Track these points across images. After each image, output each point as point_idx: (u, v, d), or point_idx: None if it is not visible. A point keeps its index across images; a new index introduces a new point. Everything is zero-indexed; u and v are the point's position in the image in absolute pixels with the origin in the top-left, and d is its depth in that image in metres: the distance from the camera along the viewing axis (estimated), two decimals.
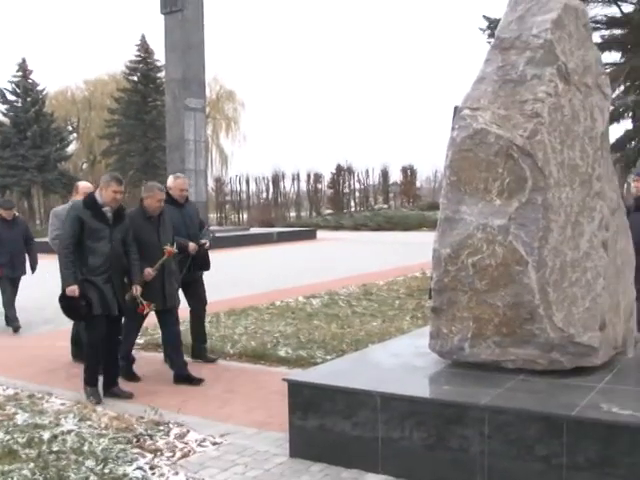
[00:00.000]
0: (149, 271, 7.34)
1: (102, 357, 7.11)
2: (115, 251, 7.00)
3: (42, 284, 11.60)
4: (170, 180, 8.45)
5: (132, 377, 7.73)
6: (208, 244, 8.40)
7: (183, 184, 8.41)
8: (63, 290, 6.89)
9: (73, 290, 6.81)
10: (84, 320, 7.23)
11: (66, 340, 9.97)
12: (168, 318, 7.68)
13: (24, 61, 46.94)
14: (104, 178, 7.11)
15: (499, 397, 4.77)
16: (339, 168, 50.90)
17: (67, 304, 6.96)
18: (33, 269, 11.35)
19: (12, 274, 11.13)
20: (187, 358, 8.00)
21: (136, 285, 7.17)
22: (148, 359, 8.62)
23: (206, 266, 8.46)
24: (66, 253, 6.88)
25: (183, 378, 7.54)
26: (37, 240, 12.42)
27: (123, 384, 7.32)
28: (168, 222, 7.70)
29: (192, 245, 8.07)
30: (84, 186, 8.69)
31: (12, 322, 11.11)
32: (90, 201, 7.03)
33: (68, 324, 10.97)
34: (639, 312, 6.37)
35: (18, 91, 46.44)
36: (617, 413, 4.38)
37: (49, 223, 8.91)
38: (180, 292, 7.99)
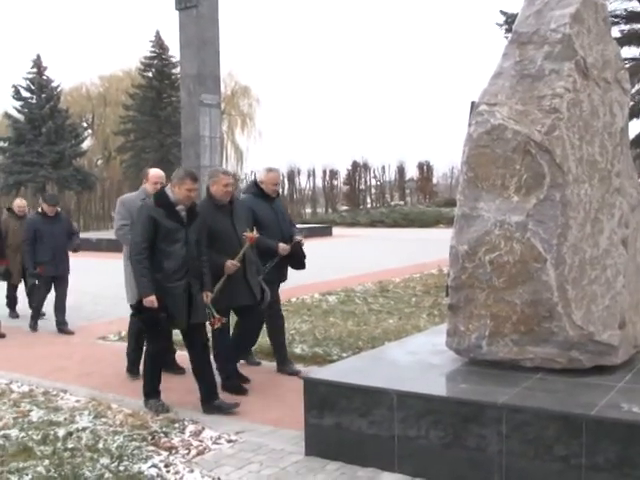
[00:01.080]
0: (233, 263, 6.77)
1: (197, 369, 6.53)
2: (191, 254, 6.35)
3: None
4: (262, 173, 7.81)
5: (242, 379, 7.20)
6: (303, 241, 7.87)
7: (276, 178, 7.87)
8: (139, 301, 6.33)
9: (152, 301, 6.16)
10: (161, 332, 6.52)
11: (81, 337, 10.02)
12: (253, 314, 7.14)
13: (39, 57, 47.06)
14: (177, 174, 6.45)
15: (517, 396, 4.72)
16: (355, 164, 50.91)
17: (146, 316, 6.31)
18: (74, 250, 11.18)
19: (54, 272, 10.72)
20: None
21: (207, 292, 6.52)
22: None
23: (302, 265, 7.91)
24: (140, 259, 6.22)
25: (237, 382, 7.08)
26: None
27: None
28: (240, 209, 7.18)
29: (282, 246, 7.47)
30: (155, 174, 7.78)
31: (33, 325, 10.90)
32: (162, 199, 6.38)
33: (80, 321, 11.04)
34: None
35: (33, 87, 46.58)
36: (637, 413, 4.32)
37: (115, 212, 8.05)
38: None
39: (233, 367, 7.19)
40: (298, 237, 7.76)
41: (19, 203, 12.40)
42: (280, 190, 8.16)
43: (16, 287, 12.12)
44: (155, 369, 6.59)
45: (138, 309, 6.47)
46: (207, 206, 6.98)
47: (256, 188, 7.69)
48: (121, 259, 7.74)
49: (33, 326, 10.92)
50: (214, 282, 6.69)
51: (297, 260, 7.78)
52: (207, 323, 6.59)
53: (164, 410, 6.35)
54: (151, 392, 6.54)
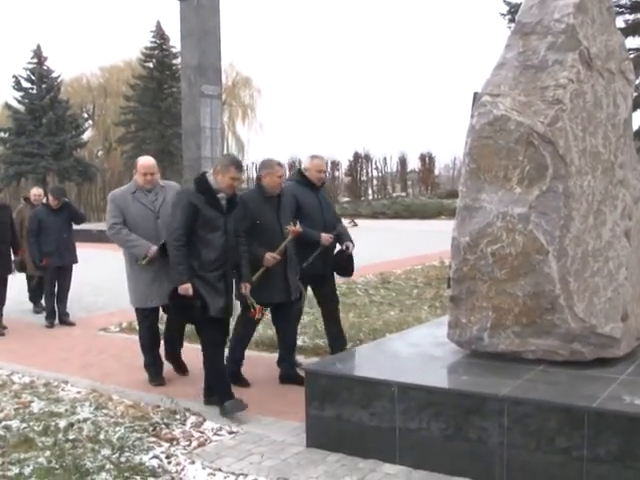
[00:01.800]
0: (273, 255, 6.56)
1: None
2: (230, 244, 6.14)
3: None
4: (307, 161, 7.59)
5: (242, 382, 6.87)
6: (352, 248, 7.57)
7: (321, 165, 7.55)
8: (175, 288, 6.06)
9: (187, 289, 5.94)
10: (196, 323, 6.44)
11: (82, 328, 10.03)
12: (289, 312, 6.99)
13: (39, 48, 46.94)
14: (222, 161, 6.26)
15: (518, 388, 4.71)
16: (356, 155, 50.83)
17: (179, 303, 6.10)
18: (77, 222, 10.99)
19: (59, 262, 10.60)
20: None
21: (245, 283, 6.34)
22: (161, 348, 8.59)
23: (348, 272, 7.73)
24: (178, 246, 5.97)
25: (292, 378, 6.85)
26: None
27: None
28: (286, 203, 6.95)
29: (325, 236, 7.17)
30: (143, 165, 7.21)
31: (48, 317, 10.69)
32: (204, 185, 6.13)
33: (80, 312, 11.03)
34: None
35: (33, 78, 46.46)
36: (639, 405, 4.31)
37: (107, 210, 7.39)
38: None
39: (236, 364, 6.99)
40: (349, 248, 7.53)
41: (35, 192, 12.14)
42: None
43: (34, 279, 11.80)
44: (221, 368, 6.22)
45: (171, 297, 6.18)
46: (255, 197, 6.81)
47: (300, 176, 7.47)
48: (121, 251, 7.43)
49: (51, 324, 10.62)
50: (252, 274, 6.50)
51: (344, 267, 7.62)
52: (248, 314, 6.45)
53: (243, 408, 6.00)
54: (225, 394, 6.10)
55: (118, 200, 7.17)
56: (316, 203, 7.35)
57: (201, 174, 6.40)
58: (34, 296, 11.92)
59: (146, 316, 7.24)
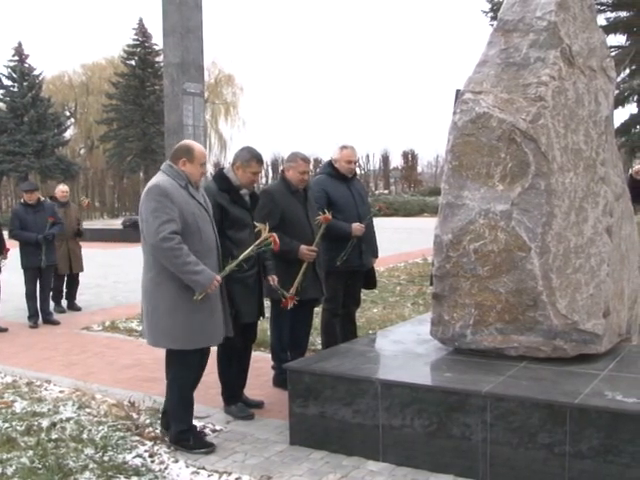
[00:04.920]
0: (310, 249, 6.27)
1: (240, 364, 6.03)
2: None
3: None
4: (336, 152, 7.20)
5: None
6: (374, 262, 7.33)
7: (351, 155, 7.17)
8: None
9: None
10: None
11: (65, 327, 9.97)
12: (309, 311, 6.78)
13: (20, 45, 46.77)
14: (242, 155, 5.82)
15: (501, 384, 4.73)
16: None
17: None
18: (44, 237, 10.38)
19: (40, 263, 10.40)
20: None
21: (272, 275, 5.97)
22: (148, 346, 8.57)
23: (373, 284, 7.53)
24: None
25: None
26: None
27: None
28: (312, 198, 6.67)
29: (356, 226, 6.79)
30: (201, 151, 5.40)
31: (32, 317, 10.51)
32: (226, 183, 5.79)
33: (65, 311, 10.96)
34: None
35: (14, 75, 46.28)
36: (621, 401, 4.33)
37: (149, 207, 5.25)
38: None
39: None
40: (372, 263, 7.31)
41: (62, 189, 11.97)
42: (356, 169, 7.44)
43: (63, 278, 11.67)
44: (230, 370, 6.01)
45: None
46: (280, 190, 6.52)
47: (330, 168, 7.13)
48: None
49: (34, 323, 10.43)
50: (281, 269, 6.15)
51: (369, 280, 7.41)
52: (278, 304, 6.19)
53: (248, 416, 5.90)
54: (232, 397, 6.04)
55: (174, 195, 5.15)
56: (348, 195, 7.05)
57: (219, 171, 6.03)
58: (56, 296, 11.67)
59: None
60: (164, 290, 5.11)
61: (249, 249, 5.44)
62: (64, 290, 11.75)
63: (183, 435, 5.25)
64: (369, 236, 7.10)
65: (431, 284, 5.72)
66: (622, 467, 4.17)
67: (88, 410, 6.07)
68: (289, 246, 6.22)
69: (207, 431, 5.60)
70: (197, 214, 5.20)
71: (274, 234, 5.53)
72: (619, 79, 21.27)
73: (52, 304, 11.35)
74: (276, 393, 6.28)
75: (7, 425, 5.70)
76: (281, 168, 6.43)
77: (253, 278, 5.76)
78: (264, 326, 8.89)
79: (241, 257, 5.39)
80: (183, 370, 5.27)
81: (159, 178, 5.22)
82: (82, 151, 60.06)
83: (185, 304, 5.08)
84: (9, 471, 4.83)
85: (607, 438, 4.21)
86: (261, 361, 7.26)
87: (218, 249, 5.38)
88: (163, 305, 5.12)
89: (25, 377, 7.29)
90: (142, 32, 50.56)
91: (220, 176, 5.88)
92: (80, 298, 12.00)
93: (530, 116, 5.09)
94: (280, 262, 6.13)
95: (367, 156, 52.26)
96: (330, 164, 7.18)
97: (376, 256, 7.42)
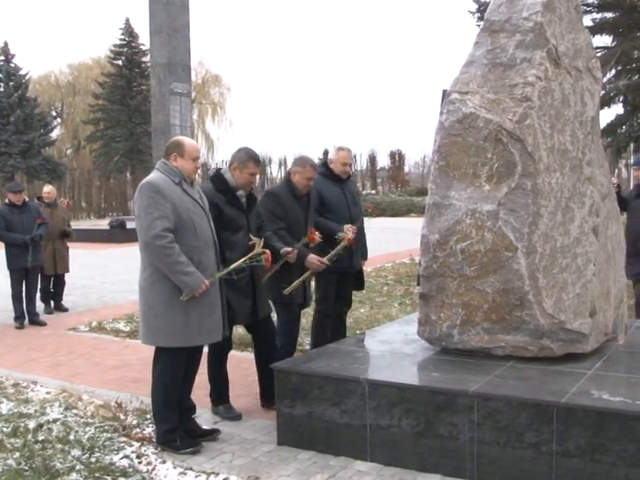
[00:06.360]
0: (322, 260, 6.19)
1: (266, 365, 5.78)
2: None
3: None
4: (332, 152, 7.24)
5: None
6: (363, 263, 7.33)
7: (346, 157, 7.16)
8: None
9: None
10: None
11: (52, 328, 9.92)
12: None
13: (6, 45, 46.56)
14: (239, 156, 5.76)
15: (488, 384, 4.74)
16: (326, 153, 50.82)
17: None
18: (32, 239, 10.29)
19: (26, 264, 10.35)
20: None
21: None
22: (135, 347, 8.57)
23: (362, 285, 7.53)
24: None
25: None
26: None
27: None
28: (314, 203, 6.67)
29: (348, 227, 6.70)
30: (192, 146, 5.41)
31: (19, 318, 10.41)
32: (222, 183, 5.76)
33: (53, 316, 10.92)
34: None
35: (0, 75, 46.06)
36: (607, 400, 4.35)
37: (141, 204, 5.14)
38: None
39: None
40: (362, 261, 7.32)
41: (47, 190, 11.93)
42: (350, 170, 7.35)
43: (50, 279, 11.63)
44: (220, 372, 6.03)
45: None
46: (285, 193, 6.44)
47: (325, 168, 7.11)
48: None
49: (21, 324, 10.35)
50: (286, 273, 6.13)
51: (358, 282, 7.42)
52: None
53: (237, 416, 5.91)
54: (219, 398, 6.05)
55: (166, 191, 5.12)
56: (341, 196, 7.05)
57: (216, 171, 6.00)
58: (45, 296, 11.67)
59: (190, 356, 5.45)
60: (160, 288, 5.08)
61: (240, 260, 5.41)
62: (51, 291, 11.70)
63: (169, 435, 5.24)
64: (359, 238, 7.06)
65: (418, 284, 5.72)
66: (608, 465, 4.19)
67: (75, 411, 6.04)
68: (301, 254, 6.20)
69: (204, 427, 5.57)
70: (192, 210, 5.16)
71: (267, 251, 5.54)
72: (605, 80, 21.31)
73: (42, 305, 11.33)
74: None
75: None
76: (287, 170, 6.36)
77: (245, 280, 5.70)
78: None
79: (231, 267, 5.37)
80: (169, 368, 5.23)
81: (152, 175, 5.22)
82: (69, 151, 59.85)
83: (179, 302, 5.06)
84: None
85: (594, 437, 4.23)
86: (246, 362, 7.25)
87: (215, 244, 5.35)
88: (159, 303, 5.09)
89: (11, 378, 7.26)
90: (129, 32, 50.46)
91: (217, 176, 5.86)
92: (67, 299, 11.96)
93: (516, 116, 5.10)
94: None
95: (354, 156, 52.23)
96: (325, 164, 7.19)
97: (365, 258, 7.43)
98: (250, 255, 5.45)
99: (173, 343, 5.14)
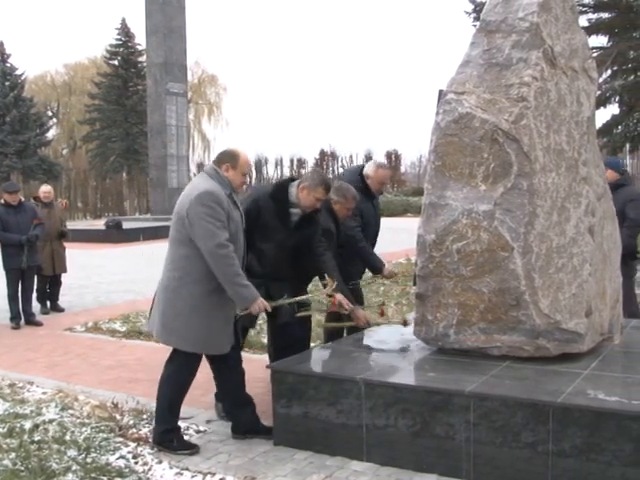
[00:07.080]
0: (266, 305, 5.24)
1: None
2: (281, 259, 5.65)
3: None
4: (371, 168, 7.01)
5: None
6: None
7: (386, 177, 7.14)
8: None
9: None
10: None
11: (48, 328, 9.90)
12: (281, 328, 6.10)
13: (2, 44, 46.45)
14: (312, 178, 5.68)
15: (484, 384, 4.74)
16: (323, 153, 51.00)
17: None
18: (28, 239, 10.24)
19: (21, 264, 10.28)
20: None
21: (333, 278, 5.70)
22: (131, 347, 8.56)
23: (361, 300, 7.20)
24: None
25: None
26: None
27: None
28: (319, 226, 6.04)
29: (388, 270, 7.16)
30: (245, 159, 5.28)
31: (15, 318, 10.38)
32: (280, 192, 5.68)
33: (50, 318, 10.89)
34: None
35: None
36: (603, 399, 4.36)
37: (205, 213, 5.05)
38: None
39: None
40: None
41: (44, 189, 11.88)
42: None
43: (47, 279, 11.56)
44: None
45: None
46: (325, 217, 6.18)
47: (362, 182, 6.90)
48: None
49: (17, 324, 10.33)
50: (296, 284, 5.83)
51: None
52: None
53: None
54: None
55: (224, 203, 5.07)
56: (372, 213, 7.02)
57: (283, 181, 5.90)
58: (42, 297, 11.62)
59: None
60: (188, 292, 5.05)
61: (308, 295, 5.60)
62: (47, 291, 11.68)
63: (166, 435, 5.23)
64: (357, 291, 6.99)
65: (414, 284, 5.73)
66: (604, 465, 4.19)
67: (71, 411, 6.03)
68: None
69: (190, 432, 5.58)
70: (238, 223, 5.16)
71: (337, 297, 5.60)
72: (601, 80, 21.39)
73: (38, 305, 11.31)
74: (260, 393, 6.25)
75: None
76: (329, 197, 6.13)
77: (255, 285, 5.43)
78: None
79: (297, 299, 5.45)
80: (182, 371, 5.24)
81: (209, 184, 5.10)
82: (65, 151, 59.78)
83: (204, 309, 5.05)
84: None
85: (589, 437, 4.23)
86: (248, 361, 7.22)
87: (244, 260, 5.30)
88: (184, 306, 5.06)
89: (7, 379, 7.25)
90: (125, 32, 50.42)
91: (281, 184, 5.80)
92: (63, 299, 11.95)
93: (512, 116, 5.11)
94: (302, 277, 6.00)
95: (350, 156, 52.27)
96: (361, 177, 6.99)
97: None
98: (320, 292, 5.53)
99: (189, 348, 5.13)
